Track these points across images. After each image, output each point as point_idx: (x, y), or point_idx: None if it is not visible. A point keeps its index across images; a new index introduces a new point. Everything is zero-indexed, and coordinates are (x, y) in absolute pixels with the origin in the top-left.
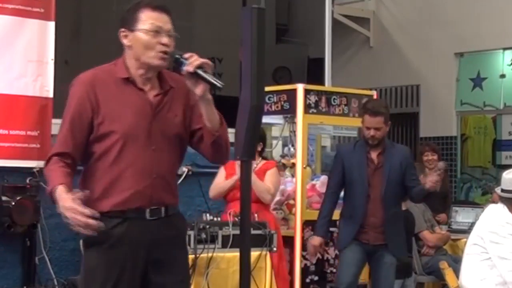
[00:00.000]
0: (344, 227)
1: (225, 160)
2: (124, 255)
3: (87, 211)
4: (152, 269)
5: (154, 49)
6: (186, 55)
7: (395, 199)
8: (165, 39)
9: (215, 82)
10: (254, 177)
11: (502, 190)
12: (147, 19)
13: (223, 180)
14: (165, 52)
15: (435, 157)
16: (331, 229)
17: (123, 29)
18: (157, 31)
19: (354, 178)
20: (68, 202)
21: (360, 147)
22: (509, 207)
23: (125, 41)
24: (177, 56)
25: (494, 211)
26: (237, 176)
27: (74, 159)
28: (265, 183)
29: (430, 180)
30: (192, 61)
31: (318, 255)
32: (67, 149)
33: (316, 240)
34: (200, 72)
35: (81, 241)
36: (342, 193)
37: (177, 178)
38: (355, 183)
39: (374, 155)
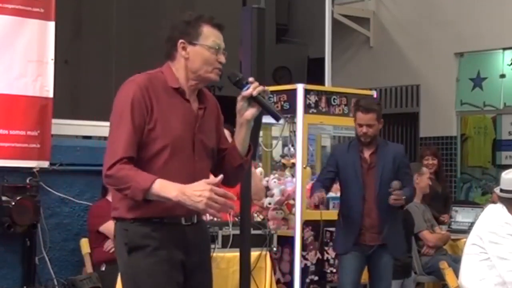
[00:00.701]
0: (342, 229)
1: (237, 184)
2: (167, 258)
3: (221, 190)
4: (190, 272)
5: (212, 66)
6: (250, 79)
7: (387, 201)
8: (223, 58)
9: (275, 112)
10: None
11: (501, 190)
12: (210, 36)
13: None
14: (220, 69)
15: (435, 161)
16: (329, 229)
17: (182, 41)
18: (217, 49)
19: (349, 179)
20: (200, 186)
21: (353, 147)
22: (508, 207)
23: (183, 53)
24: (238, 77)
25: (493, 211)
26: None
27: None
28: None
29: (393, 198)
30: (255, 85)
31: (318, 255)
32: (134, 153)
33: (315, 196)
34: (261, 98)
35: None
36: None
37: None
38: (349, 184)
39: (367, 154)
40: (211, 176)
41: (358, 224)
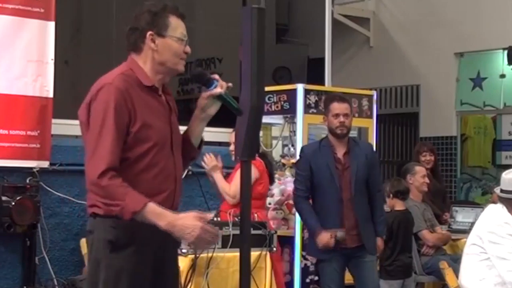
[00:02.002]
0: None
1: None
2: (149, 259)
3: (209, 227)
4: (161, 266)
5: (179, 57)
6: (216, 76)
7: (364, 199)
8: (188, 48)
9: (238, 108)
10: (219, 177)
11: (501, 191)
12: (177, 27)
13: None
14: (184, 60)
15: (433, 157)
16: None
17: (151, 32)
18: (183, 40)
19: (324, 181)
20: (190, 220)
21: (325, 147)
22: (508, 207)
23: (152, 45)
24: (208, 76)
25: (493, 211)
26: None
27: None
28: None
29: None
30: (221, 83)
31: None
32: (118, 162)
33: (324, 237)
34: (226, 96)
35: (85, 240)
36: None
37: None
38: (325, 186)
39: (340, 154)
40: None
41: (338, 227)
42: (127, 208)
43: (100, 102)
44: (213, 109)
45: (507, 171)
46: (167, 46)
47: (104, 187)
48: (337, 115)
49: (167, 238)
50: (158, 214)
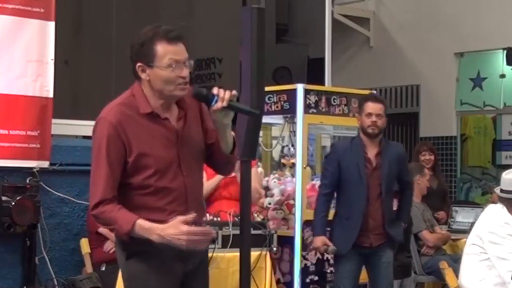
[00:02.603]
0: (341, 230)
1: (230, 173)
2: (164, 264)
3: (196, 227)
4: (186, 281)
5: (174, 83)
6: (215, 91)
7: (391, 199)
8: (184, 72)
9: (251, 110)
10: (256, 173)
11: (502, 191)
12: (165, 54)
13: (205, 180)
14: (185, 83)
15: (432, 157)
16: (329, 229)
17: (140, 64)
18: (176, 65)
19: (351, 178)
20: (174, 228)
21: (357, 146)
22: (508, 207)
23: (143, 76)
24: (204, 93)
25: (493, 212)
26: (221, 176)
27: (116, 197)
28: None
29: None
30: (222, 95)
31: (318, 255)
32: (114, 193)
33: (318, 241)
34: (233, 104)
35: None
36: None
37: None
38: (352, 184)
39: (371, 155)
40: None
41: (359, 225)
42: (121, 229)
43: (95, 137)
44: (227, 118)
45: (507, 171)
46: (157, 76)
47: (98, 216)
48: (370, 114)
49: (188, 251)
50: (147, 230)
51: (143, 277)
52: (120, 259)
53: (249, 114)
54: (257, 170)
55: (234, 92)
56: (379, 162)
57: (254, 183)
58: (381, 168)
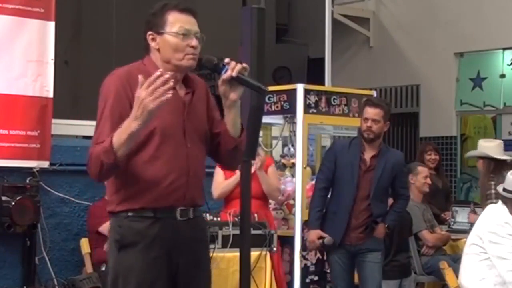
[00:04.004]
0: (331, 223)
1: (238, 166)
2: (159, 256)
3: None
4: (182, 270)
5: (183, 52)
6: (226, 60)
7: (381, 204)
8: (194, 41)
9: (259, 85)
10: (264, 175)
11: (504, 190)
12: (176, 22)
13: (223, 179)
14: (194, 54)
15: (437, 156)
16: None
17: (150, 32)
18: (185, 34)
19: (344, 176)
20: (136, 101)
21: (355, 146)
22: (510, 207)
23: (152, 44)
24: (214, 61)
25: (494, 211)
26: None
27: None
28: (270, 175)
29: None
30: (233, 66)
31: (318, 255)
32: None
33: (313, 235)
34: (242, 76)
35: (107, 243)
36: None
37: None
38: (343, 181)
39: (367, 156)
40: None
41: (345, 224)
42: (105, 152)
43: (102, 92)
44: (235, 94)
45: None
46: (166, 43)
47: (90, 158)
48: (366, 119)
49: (189, 238)
50: (122, 130)
51: (135, 269)
52: (112, 249)
53: (256, 90)
54: (274, 168)
55: (245, 64)
56: (373, 164)
57: (274, 181)
58: (374, 170)
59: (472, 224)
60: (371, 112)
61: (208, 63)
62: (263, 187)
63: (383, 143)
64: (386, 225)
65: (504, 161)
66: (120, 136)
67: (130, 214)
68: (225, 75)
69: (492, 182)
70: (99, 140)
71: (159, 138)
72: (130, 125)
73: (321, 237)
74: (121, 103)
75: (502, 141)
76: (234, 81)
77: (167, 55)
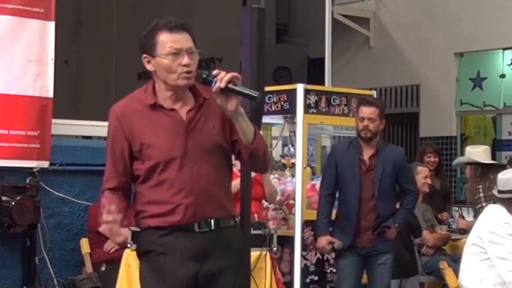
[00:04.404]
0: (340, 230)
1: (266, 169)
2: (173, 265)
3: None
4: (203, 281)
5: (176, 72)
6: (214, 72)
7: (388, 202)
8: (185, 60)
9: (250, 93)
10: (269, 178)
11: (499, 191)
12: (166, 43)
13: None
14: (188, 72)
15: (437, 159)
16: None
17: (145, 56)
18: (176, 53)
19: (346, 179)
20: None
21: (353, 147)
22: (507, 207)
23: (148, 67)
24: (204, 75)
25: (493, 212)
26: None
27: (124, 188)
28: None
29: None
30: (221, 77)
31: (318, 255)
32: (115, 184)
33: (323, 241)
34: (231, 86)
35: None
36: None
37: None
38: (347, 184)
39: (366, 156)
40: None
41: (354, 226)
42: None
43: (107, 129)
44: (231, 104)
45: (502, 172)
46: (159, 65)
47: (102, 199)
48: (362, 119)
49: (210, 248)
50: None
51: (148, 277)
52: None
53: (247, 97)
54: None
55: (235, 74)
56: (373, 163)
57: (273, 184)
58: (374, 169)
59: (461, 230)
60: (366, 111)
61: (198, 77)
62: (266, 190)
63: (381, 141)
64: (396, 225)
65: (491, 165)
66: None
67: (146, 229)
68: (214, 88)
69: (480, 186)
70: (105, 180)
71: (160, 166)
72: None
73: (331, 242)
74: (118, 142)
75: (488, 147)
76: (227, 92)
77: (163, 76)
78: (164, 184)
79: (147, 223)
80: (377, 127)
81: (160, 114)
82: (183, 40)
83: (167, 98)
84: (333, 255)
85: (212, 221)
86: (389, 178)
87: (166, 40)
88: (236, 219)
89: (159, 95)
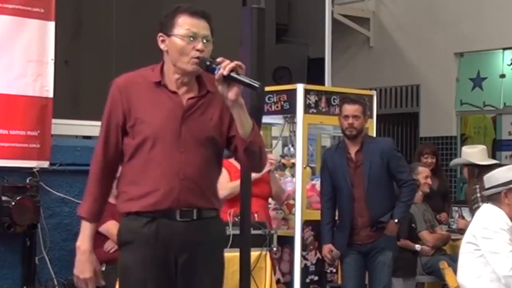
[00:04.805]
0: (338, 231)
1: (260, 168)
2: (154, 254)
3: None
4: (181, 271)
5: (188, 55)
6: (218, 60)
7: (383, 196)
8: (200, 45)
9: (251, 83)
10: (276, 177)
11: (485, 190)
12: (184, 25)
13: (228, 179)
14: (198, 58)
15: (434, 160)
16: None
17: (160, 34)
18: (192, 37)
19: (338, 180)
20: (81, 264)
21: (341, 148)
22: (495, 203)
23: (162, 46)
24: (208, 62)
25: (487, 210)
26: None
27: (111, 163)
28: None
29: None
30: (225, 64)
31: (318, 255)
32: (106, 153)
33: (325, 249)
34: (234, 74)
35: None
36: None
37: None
38: (339, 185)
39: (353, 153)
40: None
41: (349, 224)
42: (78, 209)
43: (107, 100)
44: (232, 93)
45: (487, 174)
46: (173, 45)
47: (90, 166)
48: (346, 117)
49: (191, 238)
50: (80, 232)
51: (128, 267)
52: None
53: (249, 87)
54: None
55: (239, 63)
56: (360, 158)
57: (280, 184)
58: (362, 165)
59: (461, 230)
60: (350, 109)
61: (202, 64)
62: (274, 189)
63: (366, 136)
64: (396, 220)
65: (488, 165)
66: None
67: (130, 215)
68: (217, 75)
69: (477, 186)
70: (97, 153)
71: (150, 143)
72: (79, 238)
73: (331, 251)
74: (115, 112)
75: (485, 147)
76: (229, 80)
77: (174, 58)
78: (151, 163)
79: (128, 208)
80: (361, 124)
81: (161, 94)
82: (201, 26)
83: (173, 81)
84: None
85: (195, 211)
86: (378, 170)
87: (185, 23)
88: (219, 212)
89: (166, 76)
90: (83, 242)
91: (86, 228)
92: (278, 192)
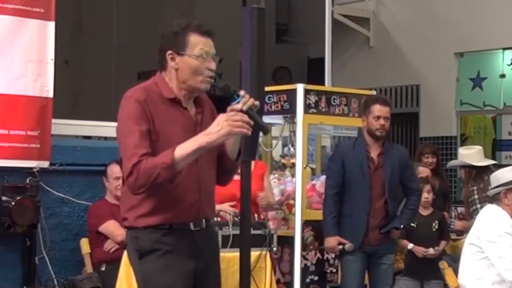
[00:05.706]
0: (348, 229)
1: (225, 184)
2: (177, 263)
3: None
4: (199, 278)
5: (202, 74)
6: (241, 92)
7: (395, 201)
8: (212, 65)
9: (262, 125)
10: (271, 186)
11: (490, 189)
12: (197, 44)
13: None
14: (211, 77)
15: (435, 159)
16: None
17: (170, 52)
18: (204, 57)
19: (355, 178)
20: (216, 120)
21: (359, 146)
22: (498, 203)
23: (172, 64)
24: (231, 91)
25: (491, 211)
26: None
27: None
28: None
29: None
30: (246, 100)
31: (318, 255)
32: (147, 149)
33: (333, 241)
34: (252, 112)
35: (125, 252)
36: None
37: None
38: (356, 183)
39: (374, 154)
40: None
41: (365, 224)
42: (163, 167)
43: (122, 114)
44: None
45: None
46: (186, 64)
47: (137, 174)
48: (378, 118)
49: (203, 247)
50: (186, 145)
51: (157, 276)
52: (133, 259)
53: (258, 127)
54: (269, 180)
55: (257, 102)
56: (381, 162)
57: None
58: (383, 167)
59: (458, 231)
60: (383, 110)
61: (225, 89)
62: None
63: (385, 141)
64: (401, 226)
65: (486, 166)
66: (185, 149)
67: (147, 228)
68: (235, 106)
69: (474, 188)
70: (138, 152)
71: None
72: (200, 139)
73: (340, 243)
74: (145, 120)
75: (482, 148)
76: (242, 113)
77: (185, 76)
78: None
79: (146, 222)
80: (389, 126)
81: (175, 110)
82: (210, 44)
83: (181, 97)
84: (333, 255)
85: (203, 220)
86: (395, 177)
87: (198, 42)
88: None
89: (175, 92)
90: (196, 139)
91: (180, 147)
92: (268, 197)
